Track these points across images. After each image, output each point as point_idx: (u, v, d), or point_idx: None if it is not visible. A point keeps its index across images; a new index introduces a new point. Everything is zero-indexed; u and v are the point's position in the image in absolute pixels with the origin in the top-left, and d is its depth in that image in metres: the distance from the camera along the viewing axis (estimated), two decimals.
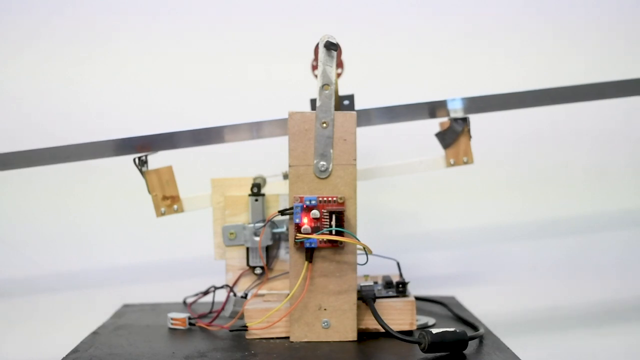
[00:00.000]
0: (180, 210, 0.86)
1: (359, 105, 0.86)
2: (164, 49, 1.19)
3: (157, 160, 0.86)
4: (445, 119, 0.88)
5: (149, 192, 0.85)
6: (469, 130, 0.87)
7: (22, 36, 1.18)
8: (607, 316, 1.18)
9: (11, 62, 1.18)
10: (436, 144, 0.88)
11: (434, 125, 0.89)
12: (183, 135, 0.86)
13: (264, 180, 0.87)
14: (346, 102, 0.84)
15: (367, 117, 0.88)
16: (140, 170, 0.84)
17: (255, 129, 0.87)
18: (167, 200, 0.85)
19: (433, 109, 0.88)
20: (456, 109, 0.87)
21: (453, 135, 0.87)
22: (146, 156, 0.85)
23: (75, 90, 1.18)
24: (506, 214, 1.22)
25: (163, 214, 0.86)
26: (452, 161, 0.88)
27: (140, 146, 0.85)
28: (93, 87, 1.19)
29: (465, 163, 0.88)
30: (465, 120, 0.87)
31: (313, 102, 0.84)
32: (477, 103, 0.88)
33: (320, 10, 1.19)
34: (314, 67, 0.83)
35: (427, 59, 1.20)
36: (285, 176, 0.88)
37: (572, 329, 1.17)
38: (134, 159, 0.84)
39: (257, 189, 0.84)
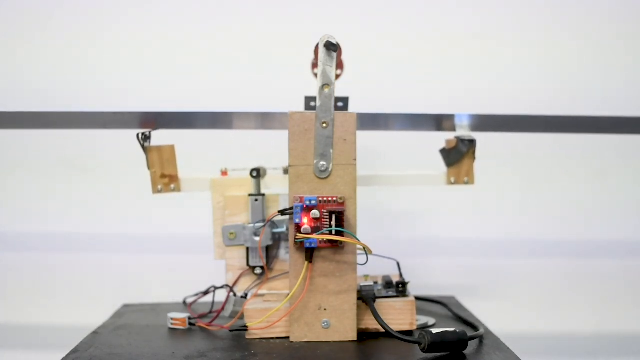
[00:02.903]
0: (178, 189, 0.87)
1: (359, 107, 0.86)
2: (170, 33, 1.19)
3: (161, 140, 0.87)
4: (452, 137, 0.88)
5: (149, 168, 0.86)
6: (474, 152, 0.87)
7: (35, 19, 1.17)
8: (615, 340, 1.19)
9: (29, 42, 1.18)
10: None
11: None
12: (188, 116, 0.86)
13: (265, 171, 0.87)
14: (340, 104, 0.84)
15: (370, 121, 0.88)
16: (142, 146, 0.85)
17: (262, 119, 0.87)
18: (165, 178, 0.86)
19: (440, 122, 0.88)
20: (463, 125, 0.87)
21: (457, 155, 0.87)
22: (150, 132, 0.86)
23: (86, 72, 1.18)
24: (515, 227, 1.21)
25: (159, 192, 0.86)
26: (452, 180, 0.88)
27: (145, 121, 0.86)
28: (97, 73, 1.18)
29: (466, 183, 0.88)
30: (472, 142, 0.87)
31: (308, 99, 0.84)
32: (486, 122, 0.88)
33: (322, 6, 1.19)
34: (314, 66, 0.83)
35: (427, 59, 1.20)
36: (286, 171, 0.88)
37: (575, 353, 1.19)
38: (138, 134, 0.84)
39: (256, 173, 0.85)
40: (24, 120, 0.88)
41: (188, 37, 1.18)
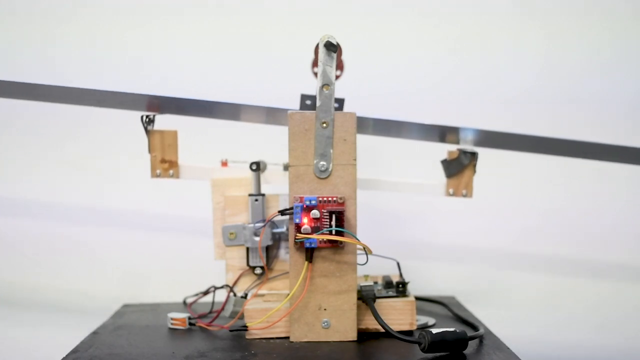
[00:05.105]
0: (176, 176, 0.87)
1: (357, 108, 0.86)
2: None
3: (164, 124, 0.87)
4: (454, 149, 0.88)
5: (149, 151, 0.86)
6: (474, 165, 0.87)
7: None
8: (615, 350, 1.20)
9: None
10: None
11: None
12: (194, 103, 0.86)
13: (265, 165, 0.87)
14: (336, 105, 0.84)
15: (372, 127, 0.88)
16: (145, 129, 0.85)
17: (270, 114, 0.87)
18: (165, 163, 0.86)
19: (444, 134, 0.88)
20: (467, 139, 0.87)
21: (458, 167, 0.87)
22: (154, 116, 0.86)
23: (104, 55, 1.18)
24: (515, 232, 1.20)
25: (158, 176, 0.86)
26: (451, 191, 0.88)
27: (150, 104, 0.85)
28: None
29: (464, 196, 0.88)
30: (474, 155, 0.86)
31: (303, 97, 0.84)
32: (490, 138, 0.88)
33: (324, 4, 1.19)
34: (314, 64, 0.83)
35: (425, 60, 1.20)
36: (286, 167, 0.88)
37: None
38: (142, 116, 0.85)
39: (256, 166, 0.85)
40: (36, 92, 0.86)
41: (190, 30, 1.18)
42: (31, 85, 0.84)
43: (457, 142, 0.89)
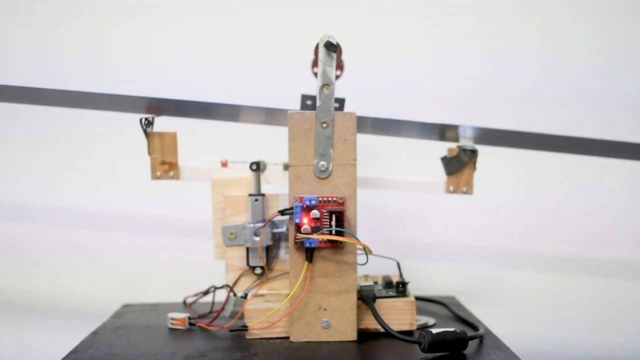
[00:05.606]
0: (176, 177, 0.87)
1: (357, 108, 0.86)
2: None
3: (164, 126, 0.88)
4: (454, 146, 0.88)
5: (149, 153, 0.86)
6: (474, 163, 0.87)
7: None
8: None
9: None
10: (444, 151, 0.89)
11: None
12: (193, 105, 0.86)
13: (265, 165, 0.87)
14: (336, 105, 0.84)
15: (371, 126, 0.88)
16: (145, 131, 0.85)
17: (269, 114, 0.87)
18: (165, 165, 0.86)
19: (444, 132, 0.88)
20: (467, 136, 0.87)
21: (458, 164, 0.87)
22: (153, 118, 0.86)
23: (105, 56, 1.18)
24: (515, 232, 1.20)
25: (158, 178, 0.86)
26: (451, 188, 0.88)
27: (149, 106, 0.85)
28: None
29: (465, 193, 0.88)
30: (474, 152, 0.86)
31: (304, 98, 0.84)
32: (490, 135, 0.87)
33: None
34: (314, 64, 0.83)
35: (425, 60, 1.20)
36: (286, 167, 0.88)
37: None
38: (141, 119, 0.85)
39: (256, 167, 0.85)
40: (34, 96, 0.86)
41: (190, 29, 1.18)
42: (29, 89, 0.84)
43: (457, 140, 0.89)
